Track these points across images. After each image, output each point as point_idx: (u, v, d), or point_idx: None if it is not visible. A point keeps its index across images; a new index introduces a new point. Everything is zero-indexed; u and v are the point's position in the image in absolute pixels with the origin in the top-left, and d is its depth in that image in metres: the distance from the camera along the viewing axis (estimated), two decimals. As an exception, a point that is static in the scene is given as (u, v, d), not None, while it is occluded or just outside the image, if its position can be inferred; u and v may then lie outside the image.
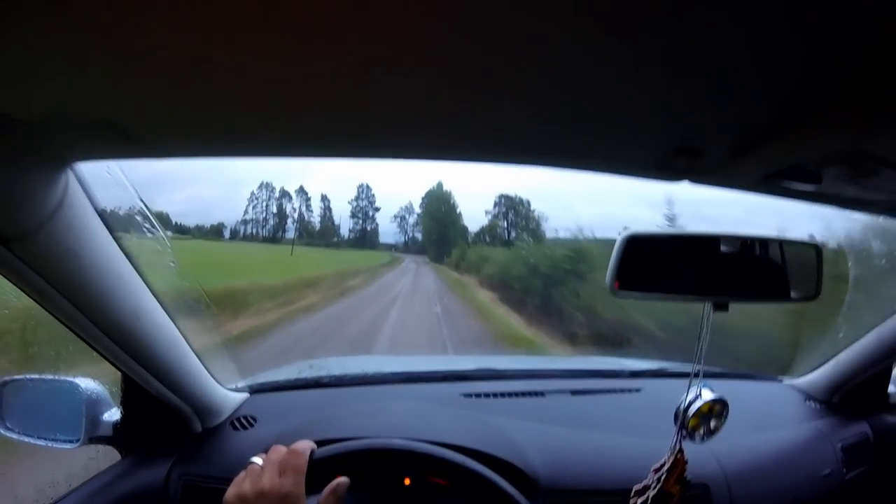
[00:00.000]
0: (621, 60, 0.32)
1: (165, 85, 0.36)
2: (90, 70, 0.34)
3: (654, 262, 0.60)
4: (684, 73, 0.34)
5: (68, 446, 0.80)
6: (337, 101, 0.38)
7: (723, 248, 0.66)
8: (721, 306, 0.63)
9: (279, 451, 0.61)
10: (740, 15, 0.28)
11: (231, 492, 0.58)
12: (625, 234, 0.58)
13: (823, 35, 0.29)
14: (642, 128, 0.43)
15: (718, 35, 0.30)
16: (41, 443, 0.80)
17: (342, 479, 0.61)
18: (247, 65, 0.33)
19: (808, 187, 0.53)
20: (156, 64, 0.33)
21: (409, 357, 2.80)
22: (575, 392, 1.09)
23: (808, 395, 1.17)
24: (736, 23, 0.29)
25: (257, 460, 0.61)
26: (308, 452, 0.61)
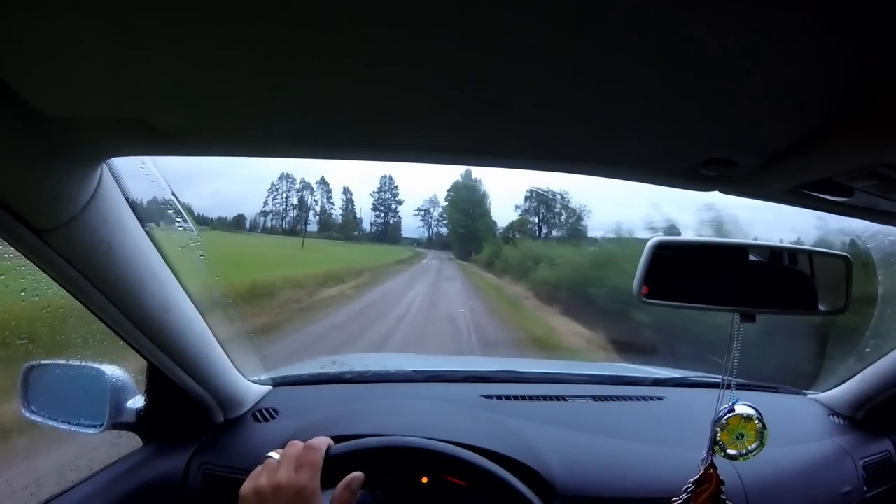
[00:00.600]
0: (658, 69, 0.32)
1: (196, 87, 0.37)
2: (124, 73, 0.35)
3: (682, 270, 0.59)
4: (720, 83, 0.34)
5: (91, 431, 0.81)
6: (366, 103, 0.39)
7: (751, 257, 0.65)
8: (749, 317, 0.62)
9: (296, 446, 0.62)
10: (776, 25, 0.28)
11: (247, 485, 0.59)
12: (653, 241, 0.57)
13: (857, 46, 0.29)
14: (676, 136, 0.42)
15: (754, 46, 0.30)
16: (65, 427, 0.82)
17: (356, 474, 0.61)
18: (276, 68, 0.34)
19: (838, 199, 0.52)
20: (187, 67, 0.34)
21: (430, 357, 2.80)
22: (597, 398, 1.08)
23: (831, 411, 1.14)
24: (772, 33, 0.29)
25: (274, 455, 0.61)
26: (324, 448, 0.61)
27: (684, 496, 0.70)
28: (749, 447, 0.70)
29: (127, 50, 0.32)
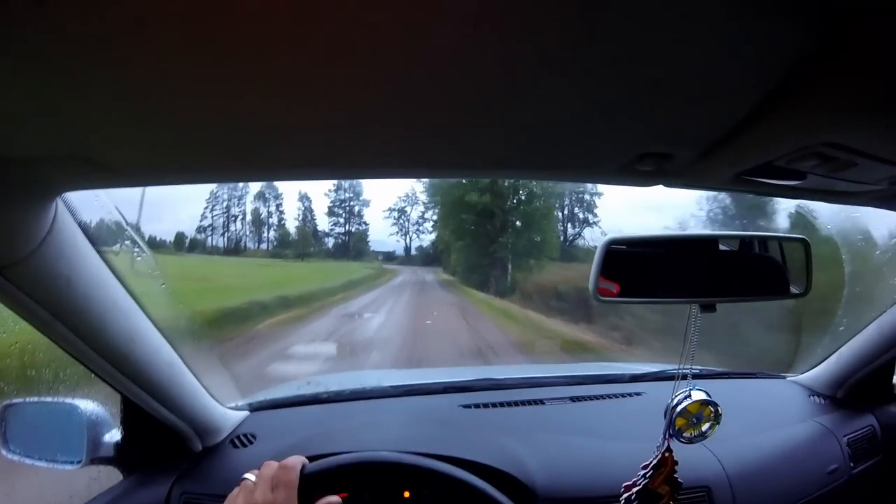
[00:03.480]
0: (582, 66, 0.32)
1: (139, 123, 0.38)
2: (68, 113, 0.36)
3: (636, 266, 0.60)
4: (645, 77, 0.34)
5: (70, 467, 0.81)
6: (314, 128, 0.40)
7: (703, 248, 0.66)
8: (708, 307, 0.63)
9: (271, 466, 0.62)
10: (699, 11, 0.28)
11: None
12: (604, 239, 0.58)
13: (786, 29, 0.29)
14: (607, 134, 0.43)
15: (676, 34, 0.29)
16: (44, 464, 0.81)
17: (332, 498, 0.61)
18: (215, 99, 0.34)
19: (789, 183, 0.53)
20: (125, 104, 0.35)
21: (407, 371, 2.80)
22: (574, 398, 1.09)
23: (812, 391, 1.16)
24: (694, 19, 0.28)
25: (250, 476, 0.61)
26: (299, 467, 0.62)
27: (642, 480, 0.71)
28: (702, 428, 0.72)
29: (61, 91, 0.33)
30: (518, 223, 13.35)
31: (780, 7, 0.27)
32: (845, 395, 1.12)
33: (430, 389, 1.13)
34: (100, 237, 0.60)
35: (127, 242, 0.70)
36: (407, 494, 0.72)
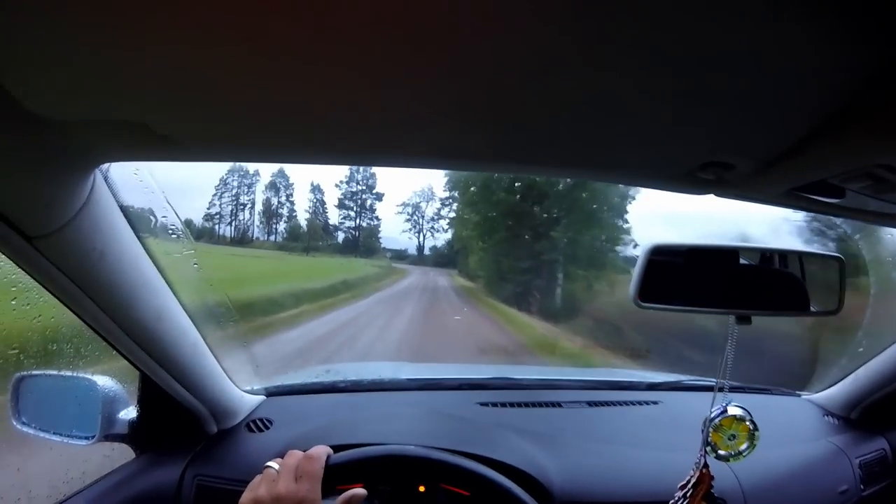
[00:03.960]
0: (659, 74, 0.33)
1: (198, 89, 0.37)
2: (123, 74, 0.35)
3: (677, 273, 0.59)
4: (720, 88, 0.34)
5: (83, 443, 0.80)
6: (370, 107, 0.39)
7: (744, 260, 0.66)
8: (744, 319, 0.62)
9: (295, 455, 0.61)
10: (774, 30, 0.28)
11: (246, 496, 0.58)
12: (647, 245, 0.57)
13: (857, 51, 0.30)
14: (676, 140, 0.43)
15: (753, 50, 0.30)
16: (56, 438, 0.81)
17: (358, 491, 0.61)
18: (279, 71, 0.34)
19: (830, 200, 0.53)
20: (190, 70, 0.34)
21: (424, 364, 2.80)
22: (592, 403, 1.08)
23: (826, 411, 1.15)
24: (770, 38, 0.29)
25: (273, 465, 0.60)
26: (324, 458, 0.61)
27: (682, 500, 0.70)
28: (740, 448, 0.71)
29: (125, 51, 0.32)
30: (574, 215, 8.31)
31: (852, 31, 0.28)
32: (859, 416, 1.11)
33: (448, 385, 1.13)
34: (135, 213, 0.59)
35: (163, 220, 0.69)
36: (422, 489, 0.72)
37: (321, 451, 0.61)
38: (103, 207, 0.53)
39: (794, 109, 0.37)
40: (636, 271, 0.57)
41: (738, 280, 0.63)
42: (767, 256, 0.69)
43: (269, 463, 0.61)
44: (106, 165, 0.52)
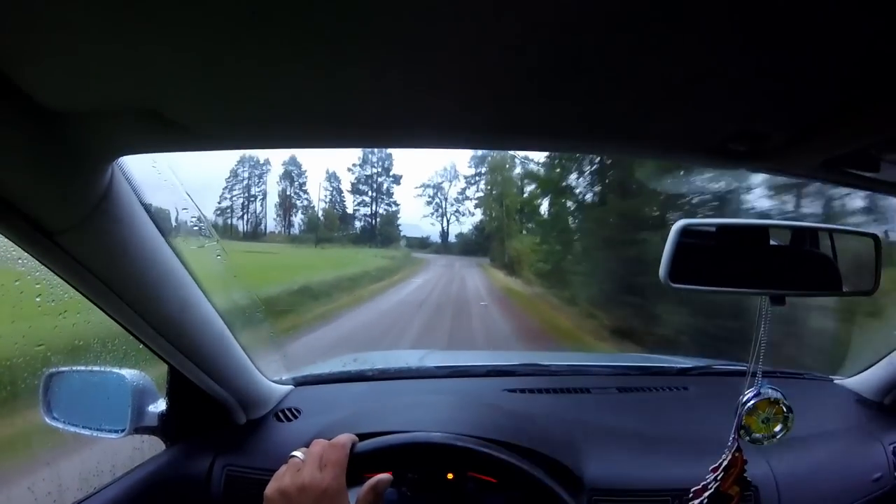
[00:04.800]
0: (687, 40, 0.31)
1: (211, 74, 0.36)
2: (137, 60, 0.34)
3: (707, 253, 0.58)
4: (748, 54, 0.33)
5: (114, 436, 0.81)
6: (393, 89, 0.38)
7: (775, 238, 0.64)
8: (778, 300, 0.60)
9: (320, 444, 0.61)
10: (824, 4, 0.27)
11: (272, 486, 0.58)
12: (678, 224, 0.56)
13: (889, 19, 0.28)
14: (706, 109, 0.41)
15: (787, 14, 0.29)
16: (87, 432, 0.82)
17: (383, 476, 0.60)
18: (295, 52, 0.33)
19: (866, 174, 0.51)
20: (202, 53, 0.33)
21: (451, 352, 2.78)
22: (621, 389, 1.07)
23: (858, 396, 1.12)
24: (803, 7, 0.28)
25: (298, 454, 0.60)
26: (349, 446, 0.61)
27: (713, 483, 0.69)
28: (774, 430, 0.69)
29: (135, 37, 0.31)
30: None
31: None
32: (893, 401, 1.08)
33: (475, 372, 1.12)
34: (156, 205, 0.59)
35: (184, 212, 0.69)
36: (451, 476, 0.71)
37: (346, 439, 0.61)
38: (123, 200, 0.53)
39: (830, 76, 0.35)
40: (666, 251, 0.56)
41: (769, 259, 0.61)
42: (799, 234, 0.67)
43: (294, 452, 0.61)
44: (123, 158, 0.52)
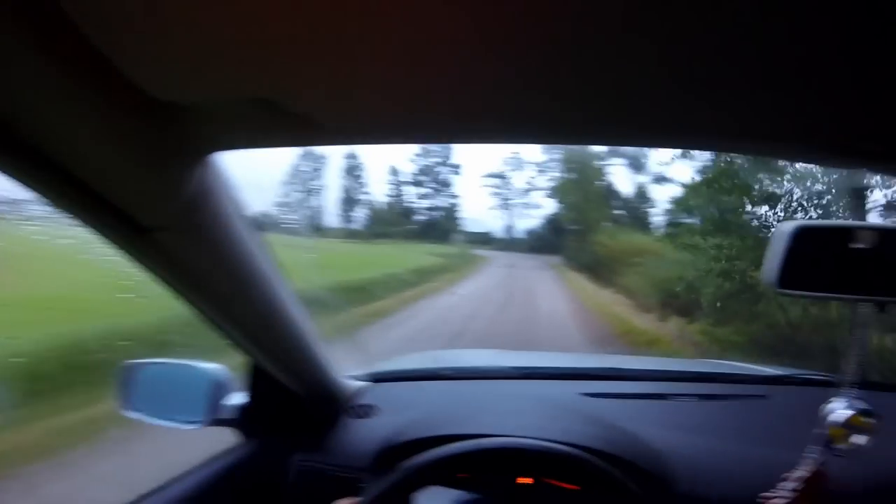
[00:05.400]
0: (819, 25, 0.29)
1: (332, 60, 0.33)
2: (250, 47, 0.32)
3: (825, 257, 0.55)
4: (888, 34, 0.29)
5: (191, 427, 0.83)
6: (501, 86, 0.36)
7: (891, 241, 0.60)
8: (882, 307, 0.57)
9: None
10: None
11: None
12: (792, 226, 0.53)
13: None
14: (836, 102, 0.37)
15: None
16: (165, 423, 0.84)
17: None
18: (426, 39, 0.31)
19: None
20: (323, 37, 0.31)
21: (526, 353, 2.76)
22: (702, 397, 1.03)
23: None
24: None
25: None
26: None
27: (790, 494, 0.66)
28: (858, 441, 0.66)
29: (248, 21, 0.29)
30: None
31: None
32: None
33: (551, 374, 1.10)
34: (246, 201, 0.59)
35: (274, 208, 0.70)
36: (529, 481, 0.71)
37: None
38: (217, 197, 0.52)
39: None
40: (775, 254, 0.53)
41: (886, 263, 0.58)
42: None
43: None
44: (219, 156, 0.50)
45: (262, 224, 0.75)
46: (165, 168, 0.43)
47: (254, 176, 0.66)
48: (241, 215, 0.59)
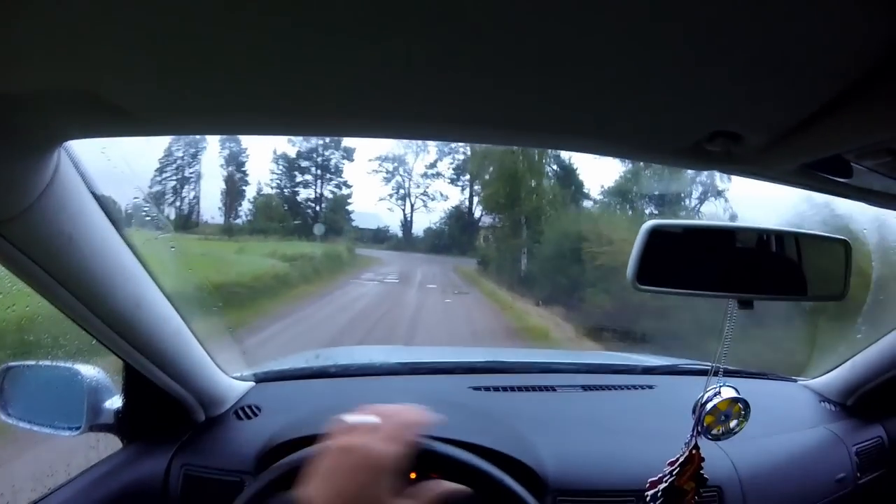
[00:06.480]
0: (664, 36, 0.30)
1: (157, 59, 0.34)
2: (79, 44, 0.32)
3: (676, 255, 0.57)
4: (726, 51, 0.32)
5: (69, 433, 0.79)
6: (344, 73, 0.36)
7: (745, 242, 0.64)
8: (746, 304, 0.61)
9: (398, 415, 0.51)
10: None
11: (336, 440, 0.48)
12: (646, 225, 0.55)
13: (876, 15, 0.28)
14: (680, 108, 0.40)
15: (765, 13, 0.28)
16: (42, 429, 0.79)
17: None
18: (238, 39, 0.31)
19: (839, 179, 0.51)
20: (147, 37, 0.31)
21: (416, 348, 2.75)
22: (586, 387, 1.07)
23: (822, 397, 1.14)
24: (782, 4, 0.27)
25: (371, 418, 0.50)
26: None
27: (668, 478, 0.70)
28: (731, 426, 0.71)
29: (75, 13, 0.29)
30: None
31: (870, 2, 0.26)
32: (855, 403, 1.11)
33: (439, 369, 1.11)
34: (105, 193, 0.56)
35: (136, 199, 0.66)
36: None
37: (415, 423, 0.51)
38: (69, 188, 0.50)
39: (809, 78, 0.34)
40: (634, 252, 0.55)
41: (738, 262, 0.61)
42: (766, 238, 0.67)
43: (365, 416, 0.51)
44: (72, 145, 0.49)
45: (129, 217, 0.71)
46: (10, 158, 0.42)
47: (124, 166, 0.62)
48: (102, 207, 0.56)
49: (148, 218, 0.70)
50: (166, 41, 0.32)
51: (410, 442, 0.49)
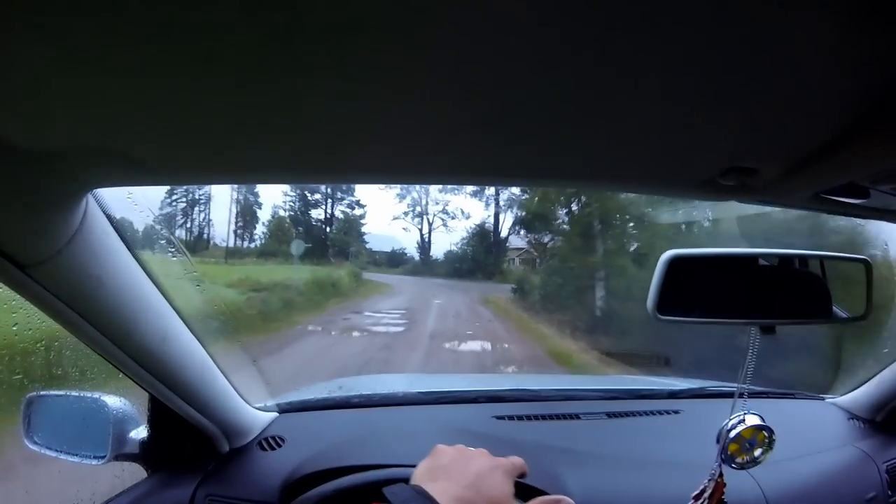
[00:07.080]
0: (675, 76, 0.31)
1: (171, 122, 0.36)
2: (103, 106, 0.34)
3: (697, 283, 0.57)
4: (740, 90, 0.32)
5: (94, 462, 0.80)
6: (358, 124, 0.37)
7: (765, 267, 0.63)
8: (769, 329, 0.60)
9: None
10: (800, 28, 0.26)
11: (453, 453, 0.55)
12: (667, 255, 0.55)
13: (886, 47, 0.28)
14: (694, 147, 0.41)
15: (775, 50, 0.28)
16: (68, 458, 0.81)
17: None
18: (254, 92, 0.33)
19: (856, 202, 0.50)
20: (162, 96, 0.33)
21: (438, 376, 2.69)
22: (611, 414, 1.05)
23: (851, 414, 1.11)
24: (793, 35, 0.27)
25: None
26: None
27: None
28: (755, 454, 0.70)
29: (97, 80, 0.31)
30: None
31: (879, 26, 0.26)
32: (885, 419, 1.07)
33: (463, 398, 1.10)
34: (132, 235, 0.58)
35: (161, 241, 0.68)
36: None
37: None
38: (97, 232, 0.52)
39: (819, 111, 0.35)
40: (654, 282, 0.55)
41: (759, 288, 0.60)
42: (788, 262, 0.66)
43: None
44: (98, 191, 0.51)
45: (153, 252, 0.73)
46: (39, 206, 0.45)
47: (146, 203, 0.64)
48: (128, 248, 0.58)
49: (172, 255, 0.72)
50: (178, 107, 0.34)
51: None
